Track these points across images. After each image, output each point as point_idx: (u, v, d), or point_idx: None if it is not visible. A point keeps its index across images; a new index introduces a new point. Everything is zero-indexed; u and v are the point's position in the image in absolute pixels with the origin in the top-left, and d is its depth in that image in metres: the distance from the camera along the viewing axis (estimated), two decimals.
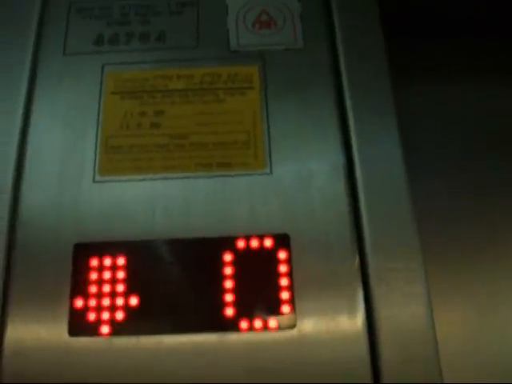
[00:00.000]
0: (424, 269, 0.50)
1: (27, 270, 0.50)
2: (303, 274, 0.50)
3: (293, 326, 0.48)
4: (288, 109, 0.57)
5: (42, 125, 0.56)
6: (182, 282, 0.50)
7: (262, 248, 0.50)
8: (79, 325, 0.49)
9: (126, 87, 0.58)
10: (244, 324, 0.48)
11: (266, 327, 0.48)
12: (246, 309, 0.49)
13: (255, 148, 0.55)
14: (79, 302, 0.49)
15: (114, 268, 0.50)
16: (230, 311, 0.49)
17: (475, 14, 0.73)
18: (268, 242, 0.51)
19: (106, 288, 0.49)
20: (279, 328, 0.48)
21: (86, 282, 0.50)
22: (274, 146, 0.55)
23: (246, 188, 0.53)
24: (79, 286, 0.50)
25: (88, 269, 0.50)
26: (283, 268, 0.50)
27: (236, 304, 0.49)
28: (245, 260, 0.50)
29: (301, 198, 0.53)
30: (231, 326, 0.48)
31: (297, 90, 0.57)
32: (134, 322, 0.49)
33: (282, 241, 0.51)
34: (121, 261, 0.50)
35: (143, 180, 0.54)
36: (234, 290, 0.49)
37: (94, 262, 0.50)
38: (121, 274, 0.50)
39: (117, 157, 0.54)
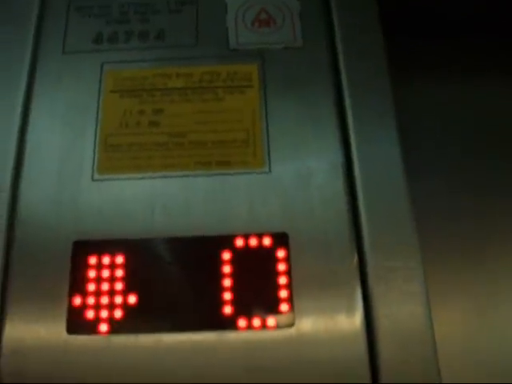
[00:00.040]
0: (422, 267, 0.50)
1: (26, 268, 0.50)
2: (302, 272, 0.50)
3: (291, 325, 0.48)
4: (287, 107, 0.57)
5: (41, 123, 0.56)
6: (180, 280, 0.50)
7: (260, 246, 0.50)
8: (78, 323, 0.49)
9: (125, 86, 0.58)
10: (242, 322, 0.48)
11: (264, 326, 0.48)
12: (245, 307, 0.49)
13: (254, 146, 0.55)
14: (78, 300, 0.49)
15: (112, 266, 0.50)
16: (228, 309, 0.48)
17: (475, 13, 0.73)
18: (267, 241, 0.51)
19: (105, 286, 0.49)
20: (277, 327, 0.48)
21: (85, 280, 0.50)
22: (273, 145, 0.55)
23: (245, 186, 0.53)
24: (78, 284, 0.49)
25: (87, 267, 0.50)
26: (282, 266, 0.50)
27: (234, 302, 0.49)
28: (243, 258, 0.50)
29: (300, 197, 0.53)
30: (229, 324, 0.48)
31: (296, 89, 0.57)
32: (133, 321, 0.49)
33: (281, 239, 0.51)
34: (119, 259, 0.50)
35: (142, 178, 0.54)
36: (233, 289, 0.49)
37: (93, 260, 0.50)
38: (119, 272, 0.50)
39: (116, 155, 0.54)
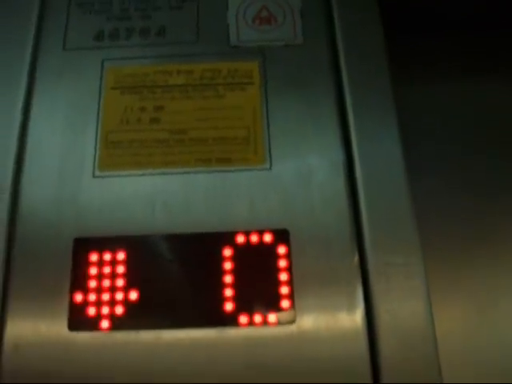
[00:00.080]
0: (423, 264, 0.50)
1: (27, 266, 0.50)
2: (302, 269, 0.50)
3: (292, 322, 0.48)
4: (288, 105, 0.57)
5: (42, 120, 0.56)
6: (181, 276, 0.50)
7: (261, 243, 0.51)
8: (79, 319, 0.49)
9: (126, 82, 0.58)
10: (243, 319, 0.48)
11: (265, 322, 0.48)
12: (246, 304, 0.49)
13: (255, 144, 0.55)
14: (79, 297, 0.49)
15: (113, 263, 0.50)
16: (229, 306, 0.49)
17: (475, 11, 0.73)
18: (267, 237, 0.51)
19: (106, 283, 0.50)
20: (278, 323, 0.48)
21: (86, 277, 0.50)
22: (274, 142, 0.55)
23: (246, 183, 0.53)
24: (79, 281, 0.50)
25: (88, 263, 0.50)
26: (283, 263, 0.50)
27: (235, 299, 0.49)
28: (244, 255, 0.50)
29: (300, 194, 0.53)
30: (231, 320, 0.48)
31: (297, 86, 0.58)
32: (134, 317, 0.49)
33: (282, 236, 0.51)
34: (120, 255, 0.50)
35: (143, 175, 0.54)
36: (234, 285, 0.49)
37: (94, 257, 0.50)
38: (120, 269, 0.50)
39: (117, 152, 0.55)
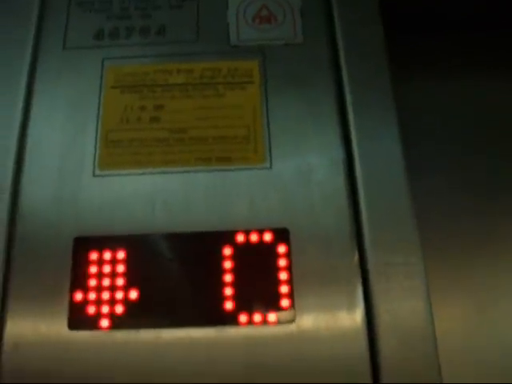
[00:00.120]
0: (423, 263, 0.50)
1: (27, 265, 0.50)
2: (302, 268, 0.50)
3: (292, 321, 0.48)
4: (288, 103, 0.57)
5: (42, 119, 0.56)
6: (181, 275, 0.50)
7: (261, 242, 0.51)
8: (79, 318, 0.49)
9: (126, 81, 0.58)
10: (243, 318, 0.48)
11: (265, 321, 0.48)
12: (246, 303, 0.49)
13: (255, 142, 0.55)
14: (79, 296, 0.49)
15: (113, 262, 0.50)
16: (229, 305, 0.49)
17: (475, 10, 0.73)
18: (267, 237, 0.51)
19: (106, 282, 0.50)
20: (278, 322, 0.48)
21: (86, 276, 0.50)
22: (274, 141, 0.55)
23: (246, 182, 0.53)
24: (79, 280, 0.50)
25: (88, 262, 0.50)
26: (282, 262, 0.50)
27: (235, 298, 0.49)
28: (244, 254, 0.50)
29: (300, 193, 0.53)
30: (230, 319, 0.48)
31: (297, 85, 0.58)
32: (134, 316, 0.49)
33: (282, 235, 0.51)
34: (120, 254, 0.50)
35: (143, 174, 0.54)
36: (234, 284, 0.49)
37: (94, 256, 0.50)
38: (120, 268, 0.50)
39: (117, 151, 0.55)
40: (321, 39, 0.60)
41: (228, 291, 0.49)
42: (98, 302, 0.49)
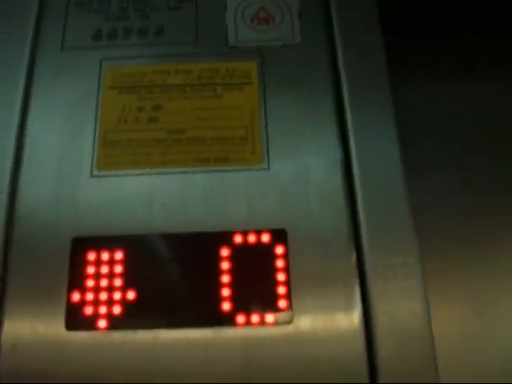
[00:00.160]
0: (421, 265, 0.50)
1: (25, 265, 0.50)
2: (300, 269, 0.50)
3: (289, 322, 0.48)
4: (286, 104, 0.57)
5: (40, 120, 0.56)
6: (179, 276, 0.50)
7: (259, 243, 0.51)
8: (76, 319, 0.49)
9: (124, 82, 0.58)
10: (241, 319, 0.48)
11: (262, 322, 0.48)
12: (243, 304, 0.49)
13: (253, 143, 0.55)
14: (76, 296, 0.49)
15: (111, 262, 0.50)
16: (226, 306, 0.49)
17: (473, 11, 0.73)
18: (265, 237, 0.51)
19: (104, 282, 0.50)
20: (276, 323, 0.48)
21: (84, 276, 0.50)
22: (272, 142, 0.55)
23: (244, 183, 0.53)
24: (77, 280, 0.50)
25: (85, 263, 0.50)
26: (280, 263, 0.50)
27: (233, 299, 0.49)
28: (242, 255, 0.50)
29: (298, 194, 0.53)
30: (228, 320, 0.48)
31: (295, 86, 0.58)
32: (132, 317, 0.49)
33: (279, 236, 0.51)
34: (118, 255, 0.50)
35: (141, 175, 0.54)
36: (231, 285, 0.49)
37: (92, 256, 0.50)
38: (118, 268, 0.50)
39: (115, 151, 0.55)
40: (319, 40, 0.60)
41: (225, 292, 0.49)
42: (96, 303, 0.49)
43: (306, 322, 0.48)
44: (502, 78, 0.77)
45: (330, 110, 0.57)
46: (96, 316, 0.49)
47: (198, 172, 0.54)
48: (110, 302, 0.49)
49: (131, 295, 0.49)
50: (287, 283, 0.49)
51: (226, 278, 0.49)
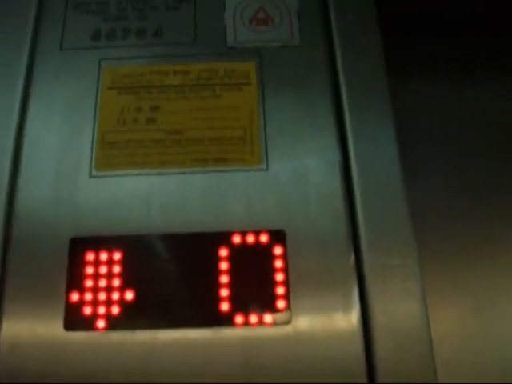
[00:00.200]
0: (419, 266, 0.50)
1: (23, 265, 0.50)
2: (298, 270, 0.50)
3: (288, 322, 0.48)
4: (285, 105, 0.57)
5: (39, 120, 0.56)
6: (177, 276, 0.50)
7: (257, 243, 0.51)
8: (75, 319, 0.49)
9: (122, 82, 0.58)
10: (239, 319, 0.48)
11: (261, 322, 0.48)
12: (242, 304, 0.49)
13: (251, 144, 0.55)
14: (75, 297, 0.49)
15: (109, 263, 0.50)
16: (225, 306, 0.49)
17: (472, 13, 0.74)
18: (264, 238, 0.51)
19: (102, 282, 0.49)
20: (274, 323, 0.48)
21: (82, 277, 0.50)
22: (271, 142, 0.55)
23: (242, 184, 0.53)
24: (75, 281, 0.50)
25: (84, 263, 0.50)
26: (279, 263, 0.50)
27: (231, 299, 0.49)
28: (240, 255, 0.50)
29: (297, 195, 0.53)
30: (226, 320, 0.48)
31: (293, 87, 0.58)
32: (130, 317, 0.49)
33: (278, 236, 0.51)
34: (117, 255, 0.50)
35: (139, 175, 0.54)
36: (230, 285, 0.49)
37: (90, 257, 0.50)
38: (117, 269, 0.50)
39: (113, 152, 0.55)
40: (317, 42, 0.60)
41: (224, 292, 0.49)
42: (95, 303, 0.49)
43: (304, 323, 0.48)
44: (501, 80, 0.77)
45: (328, 112, 0.57)
46: (95, 316, 0.49)
47: (196, 172, 0.54)
48: (109, 302, 0.49)
49: (130, 295, 0.49)
50: (286, 284, 0.49)
51: (224, 279, 0.49)
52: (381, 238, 0.51)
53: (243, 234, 0.51)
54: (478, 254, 0.69)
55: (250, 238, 0.51)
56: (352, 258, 0.51)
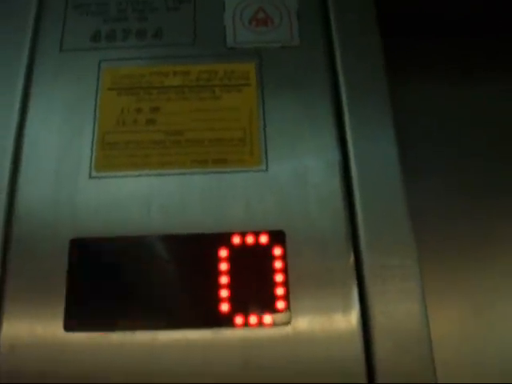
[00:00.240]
0: (419, 266, 0.50)
1: (23, 266, 0.50)
2: (298, 270, 0.50)
3: (287, 323, 0.48)
4: (284, 106, 0.57)
5: (39, 121, 0.56)
6: (177, 277, 0.50)
7: (257, 244, 0.51)
8: (75, 320, 0.49)
9: (122, 83, 0.58)
10: (239, 320, 0.48)
11: (260, 323, 0.48)
12: (241, 305, 0.49)
13: (251, 145, 0.55)
14: (75, 297, 0.49)
15: (109, 263, 0.50)
16: (225, 307, 0.49)
17: (472, 14, 0.74)
18: (263, 239, 0.51)
19: (102, 283, 0.49)
20: (274, 324, 0.48)
21: (82, 278, 0.50)
22: (270, 143, 0.55)
23: (242, 185, 0.53)
24: (75, 281, 0.50)
25: (84, 264, 0.50)
26: (278, 264, 0.50)
27: (231, 300, 0.49)
28: (240, 256, 0.50)
29: (296, 195, 0.53)
30: (226, 321, 0.48)
31: (293, 88, 0.58)
32: (130, 318, 0.49)
33: (278, 237, 0.51)
34: (117, 256, 0.50)
35: (139, 176, 0.54)
36: (229, 286, 0.49)
37: (90, 258, 0.50)
38: (116, 270, 0.50)
39: (113, 153, 0.55)
40: (317, 42, 0.60)
41: (224, 293, 0.49)
42: (94, 304, 0.49)
43: (304, 323, 0.49)
44: (501, 80, 0.77)
45: (328, 112, 0.57)
46: (94, 317, 0.49)
47: (196, 173, 0.54)
48: (109, 303, 0.49)
49: (129, 296, 0.49)
50: (285, 284, 0.49)
51: (224, 279, 0.49)
52: (380, 238, 0.51)
53: (243, 234, 0.51)
54: (478, 255, 0.69)
55: (250, 239, 0.51)
56: (351, 259, 0.51)
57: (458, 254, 0.68)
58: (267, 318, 0.49)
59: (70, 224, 0.52)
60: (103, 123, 0.56)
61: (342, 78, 0.58)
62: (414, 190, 0.54)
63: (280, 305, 0.49)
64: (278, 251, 0.50)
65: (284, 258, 0.50)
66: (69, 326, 0.48)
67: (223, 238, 0.51)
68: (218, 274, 0.49)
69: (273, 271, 0.50)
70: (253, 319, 0.49)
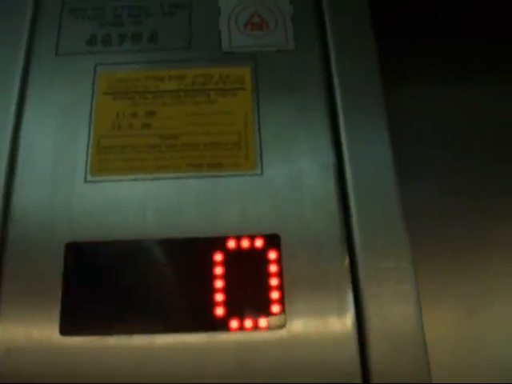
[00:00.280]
0: (414, 268, 0.50)
1: (19, 270, 0.50)
2: (293, 273, 0.50)
3: (282, 326, 0.49)
4: (279, 109, 0.57)
5: (35, 124, 0.56)
6: (173, 281, 0.50)
7: (252, 248, 0.51)
8: (71, 324, 0.49)
9: (118, 88, 0.58)
10: (234, 323, 0.49)
11: (255, 327, 0.49)
12: (236, 308, 0.49)
13: (246, 149, 0.55)
14: (71, 301, 0.49)
15: (105, 267, 0.50)
16: (220, 311, 0.49)
17: (466, 16, 0.74)
18: (258, 242, 0.51)
19: (98, 287, 0.49)
20: (269, 328, 0.49)
21: (78, 281, 0.50)
22: (265, 147, 0.55)
23: (237, 189, 0.53)
24: (71, 285, 0.50)
25: (79, 268, 0.50)
26: (273, 268, 0.50)
27: (226, 304, 0.49)
28: (235, 260, 0.50)
29: (291, 198, 0.53)
30: (221, 325, 0.48)
31: (288, 91, 0.58)
32: (126, 322, 0.49)
33: (273, 241, 0.51)
34: (112, 260, 0.50)
35: (135, 180, 0.54)
36: (225, 290, 0.49)
37: (86, 262, 0.50)
38: (112, 274, 0.50)
39: (108, 157, 0.55)
40: (312, 45, 0.60)
41: (219, 297, 0.49)
42: (90, 308, 0.49)
43: (299, 326, 0.49)
44: (495, 83, 0.77)
45: (322, 115, 0.57)
46: (90, 321, 0.49)
47: (191, 177, 0.54)
48: (105, 307, 0.49)
49: (125, 300, 0.49)
50: (280, 288, 0.49)
51: (219, 283, 0.49)
52: (375, 240, 0.51)
53: (238, 238, 0.51)
54: (472, 257, 0.69)
55: (245, 243, 0.51)
56: (346, 261, 0.51)
57: (453, 256, 0.68)
58: (262, 322, 0.49)
59: (65, 227, 0.52)
60: (99, 127, 0.56)
61: (336, 81, 0.58)
62: (409, 192, 0.54)
63: (275, 308, 0.49)
64: (273, 255, 0.50)
65: (279, 261, 0.50)
66: (65, 331, 0.48)
67: (218, 242, 0.51)
68: (213, 277, 0.50)
69: (268, 275, 0.50)
70: (248, 323, 0.49)
